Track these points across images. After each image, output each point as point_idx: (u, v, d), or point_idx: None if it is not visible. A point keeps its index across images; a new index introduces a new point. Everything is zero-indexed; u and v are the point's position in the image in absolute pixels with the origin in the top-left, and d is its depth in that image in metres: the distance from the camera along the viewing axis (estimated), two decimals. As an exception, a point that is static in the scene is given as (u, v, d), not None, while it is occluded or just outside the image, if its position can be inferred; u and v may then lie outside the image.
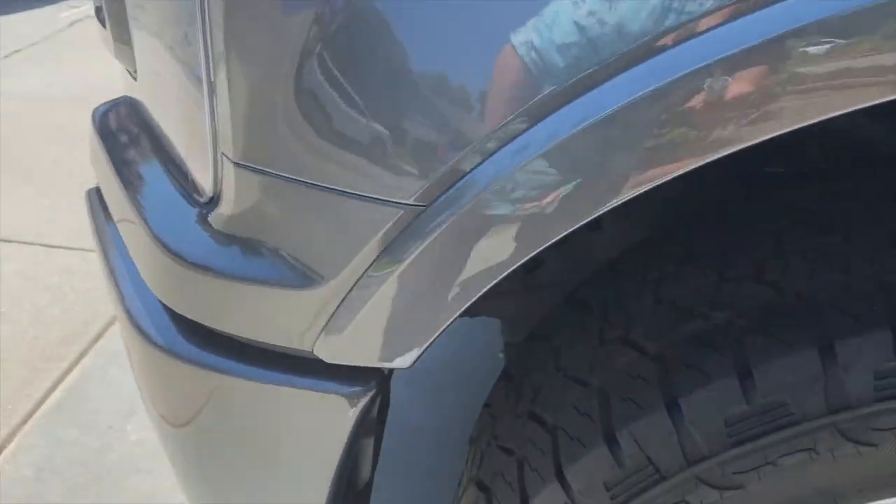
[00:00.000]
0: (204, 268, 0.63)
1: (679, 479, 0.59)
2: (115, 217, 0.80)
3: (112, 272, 0.77)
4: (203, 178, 0.68)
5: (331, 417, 0.64)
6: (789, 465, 0.56)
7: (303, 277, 0.58)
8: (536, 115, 0.47)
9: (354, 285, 0.56)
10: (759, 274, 0.62)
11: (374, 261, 0.55)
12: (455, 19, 0.49)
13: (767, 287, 0.60)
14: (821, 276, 0.59)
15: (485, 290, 0.53)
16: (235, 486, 0.75)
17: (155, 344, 0.69)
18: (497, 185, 0.49)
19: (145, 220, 0.69)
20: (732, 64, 0.44)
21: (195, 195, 0.69)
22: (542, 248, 0.51)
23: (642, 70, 0.45)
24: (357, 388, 0.62)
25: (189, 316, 0.66)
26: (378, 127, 0.52)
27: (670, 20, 0.45)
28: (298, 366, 0.63)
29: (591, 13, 0.46)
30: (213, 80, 0.60)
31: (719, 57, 0.44)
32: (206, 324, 0.65)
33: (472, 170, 0.50)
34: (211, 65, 0.59)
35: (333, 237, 0.56)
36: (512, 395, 0.76)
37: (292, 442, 0.68)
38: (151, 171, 0.77)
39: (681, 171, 0.47)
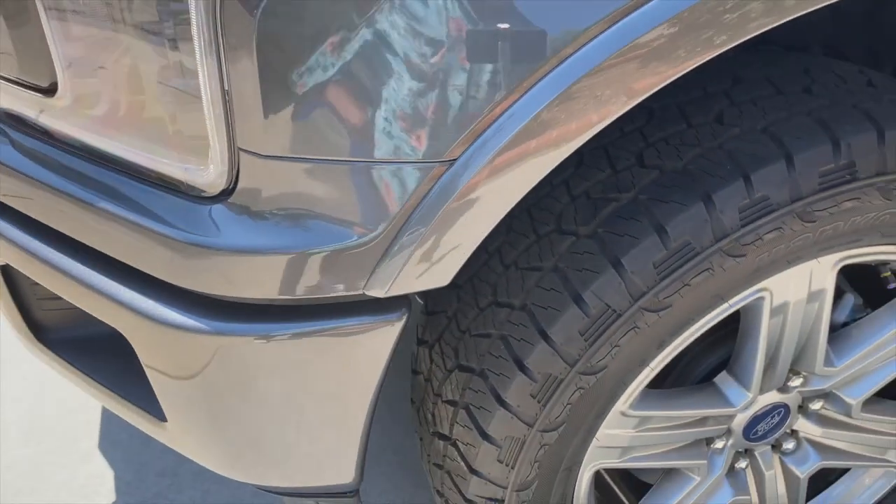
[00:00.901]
0: (249, 250, 0.74)
1: (630, 312, 0.84)
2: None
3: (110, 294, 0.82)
4: (200, 175, 0.76)
5: (373, 346, 0.80)
6: (697, 283, 0.84)
7: (350, 238, 0.72)
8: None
9: (398, 233, 0.72)
10: (641, 161, 0.88)
11: (414, 210, 0.71)
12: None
13: (652, 169, 0.86)
14: (685, 154, 0.86)
15: (498, 219, 0.72)
16: (288, 437, 0.87)
17: (211, 332, 0.78)
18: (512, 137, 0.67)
19: (163, 234, 0.76)
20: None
21: (194, 193, 0.78)
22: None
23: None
24: (394, 315, 0.79)
25: (238, 296, 0.76)
26: (407, 102, 0.67)
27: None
28: (341, 311, 0.78)
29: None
30: (227, 87, 0.69)
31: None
32: (254, 297, 0.76)
33: (488, 127, 0.68)
34: (225, 74, 0.68)
35: (376, 199, 0.71)
36: (467, 296, 0.96)
37: (338, 379, 0.82)
38: (121, 187, 0.82)
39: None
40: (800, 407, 1.13)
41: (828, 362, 1.05)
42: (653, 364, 0.91)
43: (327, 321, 0.78)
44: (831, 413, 1.14)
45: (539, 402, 0.88)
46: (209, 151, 0.74)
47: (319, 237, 0.73)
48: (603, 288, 0.84)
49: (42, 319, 1.11)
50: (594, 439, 0.97)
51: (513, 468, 0.93)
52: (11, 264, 0.99)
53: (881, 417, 1.16)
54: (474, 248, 0.74)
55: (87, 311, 0.89)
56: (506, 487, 0.95)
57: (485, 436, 0.92)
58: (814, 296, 0.96)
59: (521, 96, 0.66)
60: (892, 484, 1.25)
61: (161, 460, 1.69)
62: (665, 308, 0.85)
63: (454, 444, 0.97)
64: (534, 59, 0.65)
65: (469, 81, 0.66)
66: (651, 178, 0.86)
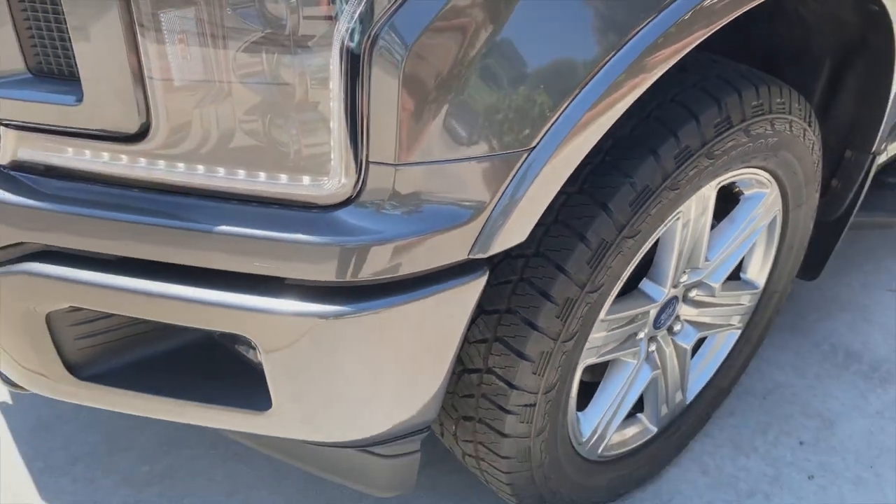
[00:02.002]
0: (379, 241, 0.94)
1: (617, 241, 1.17)
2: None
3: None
4: (315, 186, 0.94)
5: (466, 297, 1.04)
6: (654, 212, 1.20)
7: (465, 217, 0.96)
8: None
9: (495, 208, 0.97)
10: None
11: (507, 187, 0.96)
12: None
13: (609, 138, 1.20)
14: (628, 123, 1.20)
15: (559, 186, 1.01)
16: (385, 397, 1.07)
17: (329, 316, 0.96)
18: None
19: (299, 241, 0.92)
20: None
21: (317, 204, 0.95)
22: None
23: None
24: (481, 271, 1.04)
25: (368, 276, 0.95)
26: (502, 97, 0.92)
27: None
28: (447, 275, 1.01)
29: None
30: (366, 113, 0.88)
31: None
32: (382, 278, 0.96)
33: (557, 120, 0.95)
34: (364, 105, 0.88)
35: (480, 185, 0.95)
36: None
37: (438, 329, 1.04)
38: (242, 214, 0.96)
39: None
40: (684, 297, 1.56)
41: (705, 258, 1.49)
42: (624, 276, 1.26)
43: (436, 286, 1.00)
44: (702, 297, 1.59)
45: (561, 319, 1.19)
46: (334, 167, 0.93)
47: (439, 220, 0.96)
48: (598, 226, 1.16)
49: (77, 359, 1.16)
50: (586, 342, 1.30)
51: (542, 376, 1.23)
52: (82, 306, 1.05)
53: (729, 293, 1.64)
54: (543, 209, 1.02)
55: (202, 326, 1.01)
56: (537, 392, 1.24)
57: (522, 356, 1.20)
58: (703, 211, 1.38)
59: (576, 96, 0.95)
60: (735, 339, 1.75)
61: (117, 494, 1.71)
62: (637, 234, 1.20)
63: (489, 371, 1.24)
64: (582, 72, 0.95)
65: (542, 89, 0.94)
66: (609, 144, 1.19)
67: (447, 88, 0.90)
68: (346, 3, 0.85)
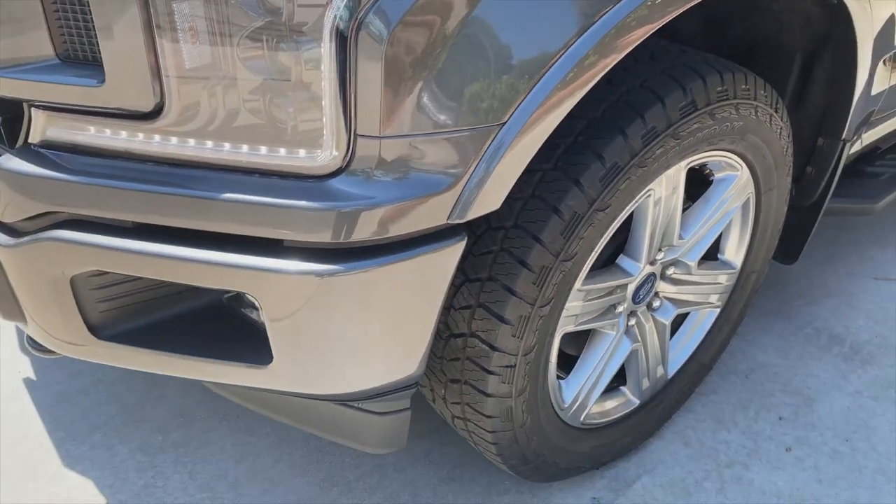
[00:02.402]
0: (368, 206, 1.05)
1: (588, 214, 1.28)
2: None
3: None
4: (310, 158, 1.06)
5: (446, 261, 1.15)
6: (623, 188, 1.30)
7: (444, 185, 1.07)
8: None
9: (471, 177, 1.08)
10: (572, 115, 1.32)
11: (481, 158, 1.07)
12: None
13: (581, 119, 1.30)
14: (601, 107, 1.31)
15: (530, 158, 1.12)
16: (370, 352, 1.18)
17: (341, 272, 1.08)
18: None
19: (296, 206, 1.04)
20: None
21: (312, 174, 1.07)
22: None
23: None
24: (460, 236, 1.15)
25: (359, 238, 1.07)
26: (475, 77, 1.03)
27: None
28: (428, 239, 1.12)
29: None
30: (353, 93, 1.00)
31: None
32: (369, 239, 1.07)
33: (524, 98, 1.06)
34: (351, 85, 0.99)
35: (458, 156, 1.06)
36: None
37: (421, 289, 1.16)
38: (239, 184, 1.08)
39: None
40: (661, 274, 1.67)
41: (679, 236, 1.59)
42: (597, 248, 1.37)
43: (420, 248, 1.12)
44: (680, 275, 1.69)
45: (538, 286, 1.29)
46: (326, 140, 1.05)
47: (420, 188, 1.07)
48: (570, 200, 1.27)
49: (98, 321, 1.28)
50: (564, 310, 1.41)
51: (521, 339, 1.34)
52: (105, 269, 1.17)
53: (707, 272, 1.74)
54: (515, 179, 1.13)
55: (210, 285, 1.13)
56: (516, 355, 1.35)
57: (502, 320, 1.31)
58: (674, 190, 1.48)
59: (542, 76, 1.07)
60: (714, 317, 1.85)
61: (133, 459, 1.83)
62: (607, 207, 1.31)
63: (473, 335, 1.35)
64: (548, 56, 1.06)
65: (511, 70, 1.05)
66: (582, 125, 1.30)
67: (424, 68, 1.01)
68: (335, -8, 0.97)
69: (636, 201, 1.39)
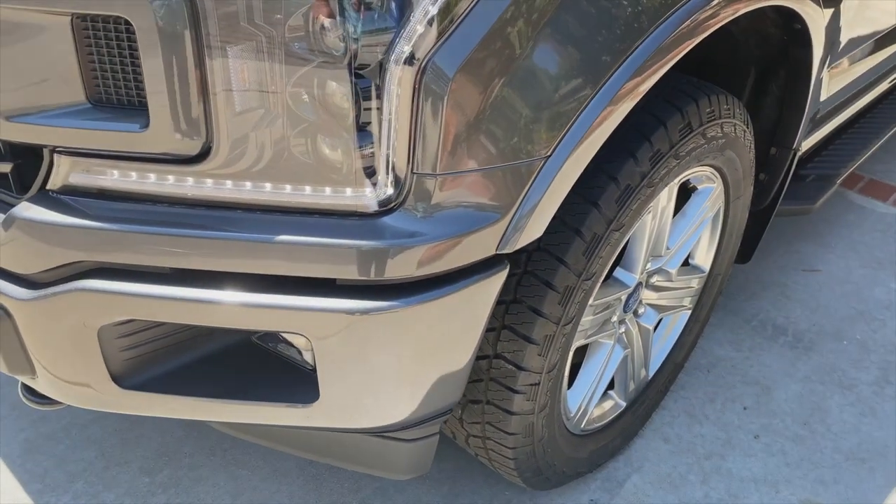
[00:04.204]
0: (422, 242, 1.07)
1: (606, 234, 1.34)
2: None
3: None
4: (363, 196, 1.06)
5: (490, 289, 1.18)
6: (635, 206, 1.38)
7: (494, 218, 1.10)
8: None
9: (519, 209, 1.11)
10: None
11: (528, 190, 1.11)
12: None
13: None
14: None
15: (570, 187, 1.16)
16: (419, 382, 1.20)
17: (379, 311, 1.08)
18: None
19: (363, 247, 1.04)
20: None
21: (362, 212, 1.07)
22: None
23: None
24: (504, 265, 1.18)
25: (411, 274, 1.08)
26: (524, 115, 1.07)
27: None
28: (475, 270, 1.14)
29: None
30: (417, 130, 1.01)
31: None
32: (423, 275, 1.09)
33: (568, 131, 1.11)
34: (417, 110, 1.01)
35: (507, 189, 1.09)
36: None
37: (465, 319, 1.18)
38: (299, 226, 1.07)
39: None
40: (646, 282, 1.76)
41: (666, 247, 1.68)
42: (609, 265, 1.44)
43: (468, 279, 1.14)
44: (661, 282, 1.79)
45: (562, 305, 1.35)
46: (380, 179, 1.05)
47: (472, 221, 1.10)
48: (591, 222, 1.33)
49: (122, 370, 1.23)
50: (580, 325, 1.46)
51: (546, 357, 1.38)
52: (141, 317, 1.13)
53: (682, 277, 1.85)
54: (557, 207, 1.17)
55: (263, 328, 1.11)
56: (541, 373, 1.40)
57: (529, 340, 1.35)
58: (667, 204, 1.57)
59: (574, 122, 1.12)
60: (686, 318, 1.97)
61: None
62: (622, 227, 1.38)
63: (498, 357, 1.38)
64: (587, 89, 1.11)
65: (556, 106, 1.10)
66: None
67: (480, 107, 1.04)
68: (398, 38, 0.98)
69: (640, 218, 1.47)
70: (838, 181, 2.36)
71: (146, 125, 1.03)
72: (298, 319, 1.09)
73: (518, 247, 1.16)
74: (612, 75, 1.14)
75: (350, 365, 1.15)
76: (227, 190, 1.07)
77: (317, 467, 1.86)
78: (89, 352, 1.17)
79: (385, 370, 1.17)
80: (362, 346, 1.12)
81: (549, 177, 1.13)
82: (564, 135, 1.12)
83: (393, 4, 0.98)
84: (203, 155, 1.05)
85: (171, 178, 1.07)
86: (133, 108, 1.04)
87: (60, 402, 1.33)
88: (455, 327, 1.18)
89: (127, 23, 0.98)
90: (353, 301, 1.09)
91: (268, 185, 1.07)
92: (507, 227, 1.13)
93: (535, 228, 1.16)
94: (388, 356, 1.15)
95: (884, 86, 2.61)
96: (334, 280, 1.09)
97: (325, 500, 1.79)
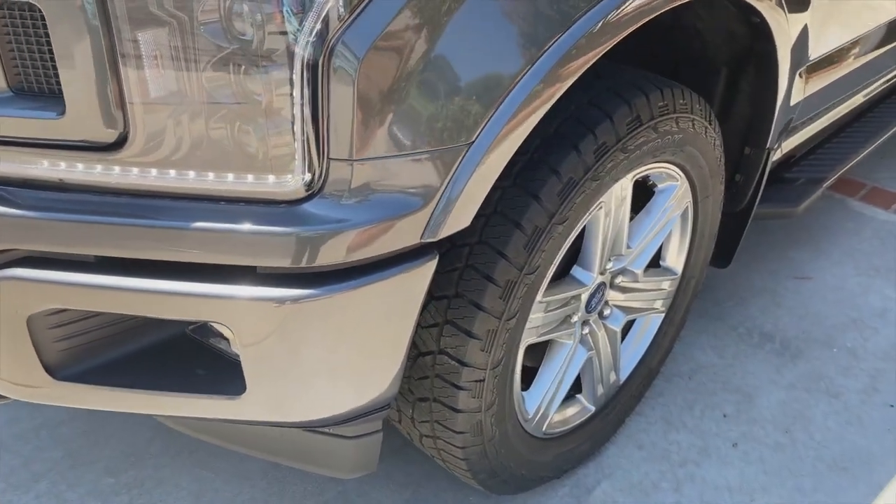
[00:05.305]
0: (344, 228, 1.06)
1: (549, 227, 1.32)
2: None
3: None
4: (281, 183, 1.06)
5: (419, 279, 1.16)
6: (579, 201, 1.35)
7: (416, 205, 1.09)
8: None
9: (443, 196, 1.10)
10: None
11: (452, 177, 1.10)
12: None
13: (537, 136, 1.35)
14: (553, 123, 1.36)
15: (497, 175, 1.15)
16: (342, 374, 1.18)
17: (300, 299, 1.07)
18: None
19: (280, 233, 1.04)
20: None
21: (285, 199, 1.06)
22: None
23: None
24: (432, 254, 1.17)
25: (333, 261, 1.07)
26: (444, 99, 1.06)
27: None
28: (401, 259, 1.13)
29: None
30: (327, 115, 1.01)
31: None
32: (344, 262, 1.08)
33: (491, 116, 1.10)
34: (325, 106, 1.00)
35: (430, 176, 1.08)
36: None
37: (394, 309, 1.17)
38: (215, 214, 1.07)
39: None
40: (610, 283, 1.73)
41: (627, 246, 1.65)
42: (556, 260, 1.41)
43: (393, 268, 1.13)
44: (627, 283, 1.76)
45: (504, 300, 1.32)
46: (298, 165, 1.05)
47: (393, 208, 1.08)
48: (531, 215, 1.31)
49: (56, 361, 1.23)
50: (527, 322, 1.44)
51: (490, 353, 1.36)
52: (67, 306, 1.13)
53: (651, 279, 1.81)
54: (483, 196, 1.16)
55: (182, 317, 1.11)
56: (485, 369, 1.38)
57: (470, 335, 1.33)
58: (622, 201, 1.55)
59: (507, 96, 1.10)
60: (660, 321, 1.93)
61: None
62: (566, 220, 1.35)
63: (442, 352, 1.36)
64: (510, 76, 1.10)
65: (479, 90, 1.08)
66: (537, 142, 1.35)
67: (395, 91, 1.03)
68: (305, 20, 0.98)
69: (590, 214, 1.44)
70: (825, 184, 2.31)
71: (62, 112, 1.04)
72: (215, 308, 1.09)
73: (443, 235, 1.14)
74: (540, 57, 1.13)
75: (273, 355, 1.14)
76: (150, 178, 1.07)
77: (281, 470, 1.84)
78: (21, 342, 1.18)
79: (311, 361, 1.16)
80: (284, 335, 1.11)
81: (473, 164, 1.11)
82: (489, 120, 1.11)
83: (301, -14, 0.98)
84: (120, 142, 1.05)
85: (91, 165, 1.07)
86: (53, 95, 1.05)
87: (5, 396, 1.34)
88: (382, 318, 1.17)
89: (40, 9, 0.99)
90: (267, 289, 1.08)
91: (187, 173, 1.07)
92: (431, 216, 1.12)
93: (461, 218, 1.15)
94: (310, 347, 1.14)
95: (874, 90, 2.55)
96: (255, 268, 1.09)
97: (287, 502, 1.78)
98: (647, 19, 1.26)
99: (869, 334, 2.39)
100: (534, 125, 1.16)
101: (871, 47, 2.23)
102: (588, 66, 1.20)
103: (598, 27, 1.17)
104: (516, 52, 1.12)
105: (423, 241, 1.13)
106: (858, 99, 2.42)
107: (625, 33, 1.24)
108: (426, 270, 1.17)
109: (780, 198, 2.23)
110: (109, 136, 1.05)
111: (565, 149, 1.33)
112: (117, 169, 1.07)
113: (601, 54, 1.21)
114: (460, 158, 1.10)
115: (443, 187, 1.11)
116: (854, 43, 2.10)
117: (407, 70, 1.03)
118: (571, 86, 1.28)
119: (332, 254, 1.07)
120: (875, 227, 2.97)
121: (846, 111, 2.42)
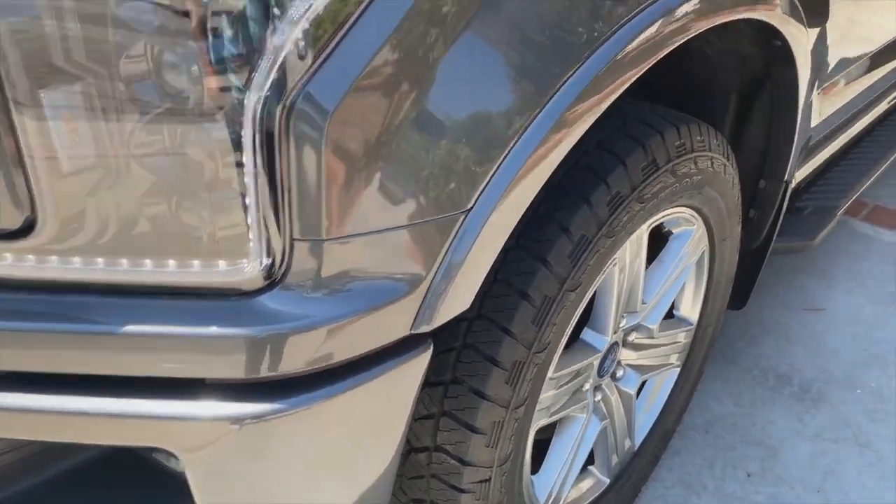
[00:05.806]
0: (311, 325, 0.84)
1: (560, 295, 1.11)
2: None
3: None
4: (233, 271, 0.84)
5: (412, 375, 0.95)
6: (592, 262, 1.15)
7: (404, 290, 0.87)
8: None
9: (436, 276, 0.89)
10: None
11: (446, 252, 0.89)
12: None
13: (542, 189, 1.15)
14: (558, 173, 1.16)
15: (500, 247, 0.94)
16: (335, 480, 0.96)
17: (259, 416, 0.85)
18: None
19: (230, 336, 0.82)
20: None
21: (238, 290, 0.85)
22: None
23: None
24: (425, 344, 0.95)
25: (298, 368, 0.85)
26: (434, 159, 0.85)
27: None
28: (387, 354, 0.92)
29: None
30: (289, 186, 0.79)
31: None
32: (314, 367, 0.86)
33: (492, 177, 0.89)
34: (286, 175, 0.79)
35: (419, 253, 0.87)
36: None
37: (383, 410, 0.95)
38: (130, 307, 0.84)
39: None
40: (623, 341, 1.52)
41: (642, 301, 1.45)
42: (568, 331, 1.20)
43: (377, 367, 0.91)
44: (642, 340, 1.55)
45: (511, 385, 1.11)
46: (253, 248, 0.83)
47: (375, 297, 0.87)
48: (539, 282, 1.10)
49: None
50: (537, 404, 1.23)
51: (496, 448, 1.14)
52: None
53: (667, 332, 1.61)
54: (486, 271, 0.95)
55: (112, 442, 0.88)
56: (492, 466, 1.16)
57: (473, 429, 1.11)
58: (637, 254, 1.35)
59: (500, 165, 0.90)
60: (676, 376, 1.72)
61: None
62: (579, 286, 1.15)
63: (438, 449, 1.14)
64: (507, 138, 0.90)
65: (476, 146, 0.88)
66: (542, 195, 1.14)
67: (372, 154, 0.82)
68: (256, 71, 0.77)
69: (604, 273, 1.24)
70: (838, 213, 2.14)
71: (-52, 195, 0.81)
72: (156, 431, 0.86)
73: (438, 324, 0.93)
74: (548, 102, 0.93)
75: (232, 479, 0.91)
76: (71, 269, 0.85)
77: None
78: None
79: (277, 484, 0.93)
80: (241, 458, 0.89)
81: (473, 234, 0.90)
82: (489, 180, 0.90)
83: (250, 26, 0.77)
84: (27, 228, 0.83)
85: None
86: (-63, 174, 0.83)
87: None
88: (367, 428, 0.95)
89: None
90: (224, 404, 0.86)
91: (114, 261, 0.85)
92: (423, 301, 0.90)
93: (459, 299, 0.94)
94: (281, 468, 0.92)
95: (882, 107, 2.40)
96: (202, 379, 0.87)
97: None
98: (660, 55, 1.07)
99: (893, 371, 2.20)
100: (540, 184, 0.96)
101: (886, 59, 2.07)
102: (609, 103, 1.00)
103: (625, 55, 0.97)
104: (514, 103, 0.91)
105: (413, 331, 0.91)
106: (873, 115, 2.26)
107: (640, 71, 1.04)
108: (419, 363, 0.96)
109: (792, 231, 2.05)
110: (13, 220, 0.83)
111: (575, 202, 1.13)
112: (27, 259, 0.85)
113: (624, 87, 1.01)
114: (456, 230, 0.89)
115: (436, 265, 0.90)
116: (870, 54, 1.94)
117: (387, 126, 0.82)
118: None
119: (298, 358, 0.85)
120: (882, 249, 2.81)
121: (859, 129, 2.25)
